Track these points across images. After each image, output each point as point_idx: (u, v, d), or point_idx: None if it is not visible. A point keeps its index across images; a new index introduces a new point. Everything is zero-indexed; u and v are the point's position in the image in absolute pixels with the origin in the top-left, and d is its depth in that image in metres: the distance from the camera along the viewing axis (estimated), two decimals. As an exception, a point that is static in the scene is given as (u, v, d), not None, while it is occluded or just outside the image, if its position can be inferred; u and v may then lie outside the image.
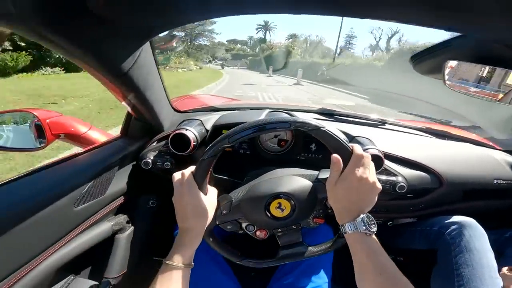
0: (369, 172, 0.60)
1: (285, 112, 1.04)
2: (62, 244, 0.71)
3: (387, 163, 0.92)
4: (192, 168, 0.65)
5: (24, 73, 12.21)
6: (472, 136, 1.28)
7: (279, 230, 0.73)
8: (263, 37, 78.20)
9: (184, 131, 0.88)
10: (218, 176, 0.87)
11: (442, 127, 1.34)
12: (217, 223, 0.70)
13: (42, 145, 1.03)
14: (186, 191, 0.62)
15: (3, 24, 0.43)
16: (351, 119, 1.16)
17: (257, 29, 79.42)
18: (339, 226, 0.62)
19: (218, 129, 0.95)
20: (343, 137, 0.62)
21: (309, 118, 0.62)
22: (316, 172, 0.75)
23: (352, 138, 0.94)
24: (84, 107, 6.42)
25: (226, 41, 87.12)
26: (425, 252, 1.00)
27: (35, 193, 0.65)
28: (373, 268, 0.55)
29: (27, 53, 12.35)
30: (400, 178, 0.91)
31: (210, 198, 0.66)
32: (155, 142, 0.98)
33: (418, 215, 1.09)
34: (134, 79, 0.70)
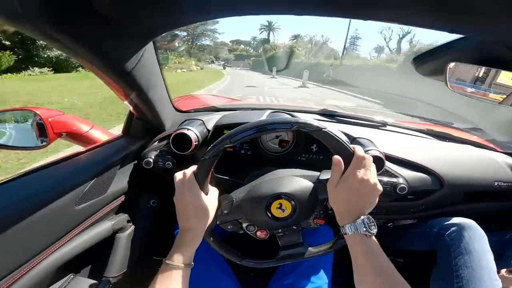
0: (370, 174, 0.60)
1: (286, 113, 1.04)
2: (62, 243, 0.71)
3: (388, 164, 0.92)
4: (193, 168, 0.65)
5: (9, 74, 11.65)
6: (473, 138, 1.28)
7: (280, 230, 0.73)
8: (266, 37, 77.23)
9: (185, 131, 0.88)
10: (219, 176, 0.87)
11: (443, 129, 1.34)
12: (217, 223, 0.70)
13: (44, 143, 1.03)
14: (188, 190, 0.62)
15: (10, 23, 0.43)
16: (353, 120, 1.16)
17: (260, 29, 78.51)
18: (339, 227, 0.62)
19: (219, 129, 0.95)
20: (344, 138, 0.62)
21: (310, 119, 0.62)
22: (317, 173, 0.75)
23: (353, 139, 0.94)
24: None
25: (230, 41, 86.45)
26: (425, 254, 1.01)
27: (36, 191, 0.65)
28: (372, 270, 0.55)
29: (12, 52, 11.91)
30: (401, 180, 0.91)
31: (211, 198, 0.66)
32: (157, 142, 0.98)
33: (419, 216, 1.09)
34: (137, 78, 0.70)
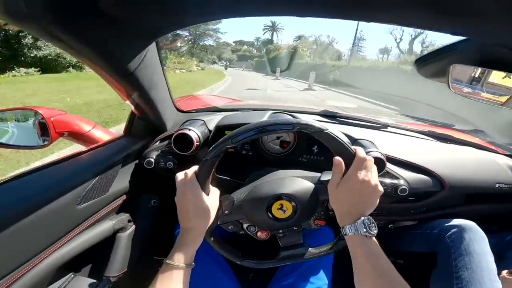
0: (371, 175, 0.60)
1: (288, 114, 1.04)
2: (63, 242, 0.71)
3: (389, 166, 0.92)
4: (194, 168, 0.65)
5: (-9, 74, 10.77)
6: (475, 140, 1.28)
7: (280, 231, 0.73)
8: (270, 38, 76.01)
9: (187, 131, 0.89)
10: (220, 177, 0.87)
11: (444, 130, 1.34)
12: (218, 223, 0.70)
13: (46, 143, 1.03)
14: (189, 191, 0.62)
15: (15, 23, 0.43)
16: (354, 121, 1.16)
17: (264, 30, 77.24)
18: (340, 228, 0.62)
19: (221, 129, 0.95)
20: (345, 139, 0.62)
21: (312, 120, 0.62)
22: (318, 174, 0.75)
23: (354, 141, 0.94)
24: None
25: (233, 42, 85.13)
26: (425, 255, 1.01)
27: (38, 191, 0.65)
28: (372, 271, 0.55)
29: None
30: (402, 181, 0.91)
31: (212, 198, 0.66)
32: (158, 142, 0.99)
33: (419, 218, 1.09)
34: (140, 78, 0.70)
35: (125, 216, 0.95)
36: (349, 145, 0.62)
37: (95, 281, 0.81)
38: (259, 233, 0.73)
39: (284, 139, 0.96)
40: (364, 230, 0.57)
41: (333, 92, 16.58)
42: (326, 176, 0.72)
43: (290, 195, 0.69)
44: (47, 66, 13.40)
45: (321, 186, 0.71)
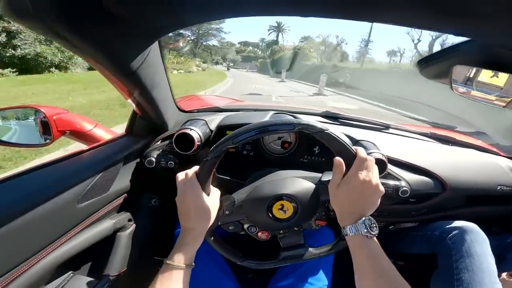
0: (372, 175, 0.60)
1: (289, 114, 1.04)
2: (64, 240, 0.71)
3: (391, 167, 0.92)
4: (195, 168, 0.65)
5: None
6: (477, 142, 1.28)
7: (281, 231, 0.73)
8: (275, 39, 74.56)
9: (188, 131, 0.89)
10: (221, 177, 0.87)
11: (446, 132, 1.34)
12: (219, 223, 0.70)
13: (48, 141, 1.03)
14: (189, 191, 0.62)
15: (20, 21, 0.43)
16: (355, 122, 1.16)
17: (269, 30, 75.87)
18: (341, 228, 0.62)
19: (222, 129, 0.95)
20: (347, 140, 0.62)
21: (313, 121, 0.62)
22: (319, 175, 0.75)
23: (356, 142, 0.94)
24: None
25: (238, 43, 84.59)
26: (426, 257, 1.00)
27: (39, 189, 0.65)
28: (373, 271, 0.55)
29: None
30: (403, 183, 0.91)
31: (212, 198, 0.66)
32: (159, 141, 0.99)
33: (420, 219, 1.09)
34: (142, 78, 0.70)
35: (125, 215, 0.95)
36: (350, 145, 0.62)
37: (94, 280, 0.81)
38: (259, 234, 0.73)
39: (285, 139, 0.96)
40: (365, 230, 0.57)
41: (346, 98, 14.61)
42: (327, 177, 0.72)
43: (291, 196, 0.69)
44: (27, 66, 12.40)
45: (322, 187, 0.71)
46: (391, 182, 0.90)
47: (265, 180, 0.75)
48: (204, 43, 55.10)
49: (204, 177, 0.63)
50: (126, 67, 0.63)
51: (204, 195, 0.63)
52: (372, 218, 0.59)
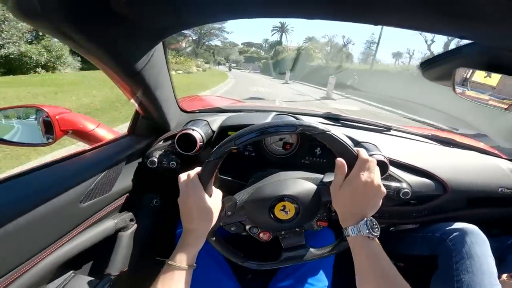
0: (374, 176, 0.60)
1: (291, 116, 1.04)
2: (66, 240, 0.71)
3: (392, 169, 0.92)
4: (197, 169, 0.65)
5: None
6: (478, 144, 1.28)
7: (283, 232, 0.73)
8: (279, 39, 72.86)
9: (190, 131, 0.89)
10: (223, 177, 0.87)
11: (448, 134, 1.34)
12: (221, 224, 0.70)
13: (50, 140, 1.03)
14: (192, 192, 0.62)
15: (27, 20, 0.44)
16: (357, 124, 1.16)
17: (272, 31, 74.30)
18: (342, 229, 0.62)
19: (224, 130, 0.96)
20: (349, 141, 0.62)
21: (315, 122, 0.62)
22: (320, 176, 0.75)
23: (357, 143, 0.94)
24: None
25: (241, 43, 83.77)
26: (426, 258, 1.01)
27: (41, 188, 0.65)
28: (374, 272, 0.55)
29: None
30: (404, 184, 0.91)
31: (214, 199, 0.66)
32: (162, 141, 0.99)
33: (421, 221, 1.09)
34: (146, 78, 0.71)
35: (127, 215, 0.95)
36: (351, 146, 0.62)
37: (95, 279, 0.81)
38: (261, 234, 0.73)
39: (287, 140, 0.97)
40: (367, 231, 0.57)
41: (355, 102, 13.26)
42: (328, 178, 0.72)
43: (293, 197, 0.69)
44: (10, 66, 11.87)
45: (323, 188, 0.71)
46: (393, 184, 0.90)
47: (266, 181, 0.75)
48: (206, 43, 54.37)
49: (206, 178, 0.63)
50: (131, 68, 0.63)
51: (206, 196, 0.63)
52: (373, 220, 0.59)
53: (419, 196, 0.95)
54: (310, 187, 0.71)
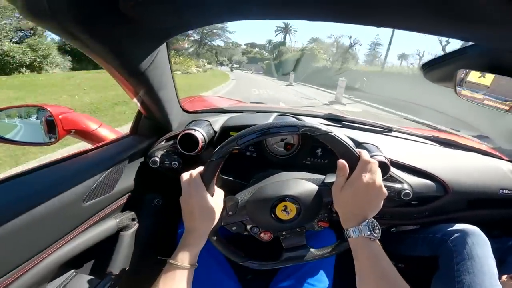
0: (376, 178, 0.60)
1: (292, 116, 1.05)
2: (68, 239, 0.72)
3: (393, 170, 0.92)
4: (200, 169, 0.66)
5: None
6: (479, 145, 1.28)
7: (284, 232, 0.73)
8: (282, 40, 71.11)
9: (193, 132, 0.89)
10: (225, 177, 0.87)
11: (449, 136, 1.34)
12: (222, 224, 0.71)
13: (52, 140, 1.04)
14: (194, 191, 0.63)
15: (35, 20, 0.44)
16: (358, 125, 1.17)
17: (276, 31, 72.36)
18: (344, 230, 0.62)
19: (226, 130, 0.96)
20: (350, 143, 0.62)
21: (317, 123, 0.62)
22: (322, 176, 0.75)
23: (359, 144, 0.94)
24: None
25: (244, 44, 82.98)
26: (427, 259, 1.01)
27: (44, 188, 0.66)
28: (374, 273, 0.56)
29: None
30: (405, 186, 0.91)
31: (216, 199, 0.67)
32: (164, 141, 0.99)
33: (422, 222, 1.09)
34: (150, 78, 0.71)
35: (129, 215, 0.95)
36: (353, 148, 0.62)
37: (97, 279, 0.81)
38: (262, 234, 0.74)
39: (288, 141, 0.97)
40: (368, 232, 0.57)
41: (370, 108, 11.99)
42: (330, 179, 0.73)
43: (294, 197, 0.69)
44: None
45: (325, 188, 0.71)
46: (394, 185, 0.90)
47: (268, 181, 0.75)
48: (208, 43, 53.65)
49: (208, 177, 0.63)
50: (135, 68, 0.64)
51: (208, 195, 0.64)
52: (375, 221, 0.60)
53: (420, 197, 0.95)
54: (312, 187, 0.72)
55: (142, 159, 0.98)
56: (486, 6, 0.36)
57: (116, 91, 7.28)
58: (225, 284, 0.83)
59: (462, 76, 0.68)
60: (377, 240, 0.59)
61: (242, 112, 1.20)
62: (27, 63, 12.71)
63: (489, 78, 0.64)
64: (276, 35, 72.37)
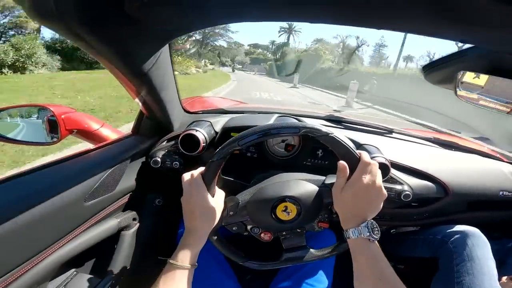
0: (376, 179, 0.61)
1: (293, 117, 1.05)
2: (70, 238, 0.72)
3: (394, 171, 0.92)
4: (201, 169, 0.66)
5: None
6: (480, 147, 1.28)
7: (284, 233, 0.74)
8: (286, 41, 69.13)
9: (194, 132, 0.89)
10: (225, 178, 0.88)
11: (450, 137, 1.34)
12: (222, 224, 0.71)
13: (54, 139, 1.04)
14: (195, 192, 0.63)
15: (43, 22, 0.44)
16: (359, 126, 1.17)
17: (279, 32, 70.53)
18: (343, 231, 0.63)
19: (227, 131, 0.96)
20: (351, 144, 0.63)
21: (318, 124, 0.62)
22: (322, 177, 0.76)
23: (359, 146, 0.94)
24: None
25: (247, 45, 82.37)
26: (426, 261, 1.01)
27: (47, 187, 0.66)
28: (372, 273, 0.56)
29: None
30: (405, 187, 0.91)
31: (217, 199, 0.67)
32: (165, 142, 0.99)
33: (422, 224, 1.10)
34: (153, 79, 0.71)
35: (130, 214, 0.96)
36: (354, 149, 0.62)
37: (97, 278, 0.81)
38: (262, 235, 0.74)
39: (289, 142, 0.97)
40: (368, 233, 0.58)
41: (384, 114, 10.54)
42: (330, 180, 0.73)
43: (295, 198, 0.70)
44: None
45: (325, 189, 0.71)
46: (394, 186, 0.90)
47: (269, 182, 0.75)
48: (211, 43, 53.27)
49: (209, 178, 0.64)
50: (138, 68, 0.64)
51: (209, 195, 0.64)
52: (374, 222, 0.60)
53: (420, 198, 0.95)
54: (312, 188, 0.72)
55: (143, 159, 0.99)
56: (486, 8, 0.36)
57: (89, 95, 6.98)
58: (225, 284, 0.83)
59: (459, 78, 0.68)
60: (376, 242, 0.59)
61: (243, 113, 1.20)
62: (9, 63, 12.14)
63: (483, 79, 0.64)
64: (279, 36, 71.24)
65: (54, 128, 1.03)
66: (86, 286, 0.77)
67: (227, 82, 17.94)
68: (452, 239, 0.92)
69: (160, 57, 0.68)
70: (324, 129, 0.61)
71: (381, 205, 0.62)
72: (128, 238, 0.95)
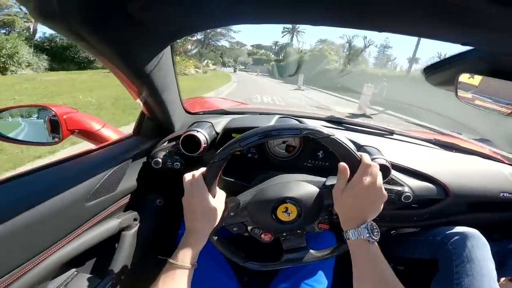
0: (376, 181, 0.61)
1: (294, 119, 1.05)
2: (71, 238, 0.72)
3: (394, 173, 0.92)
4: (202, 169, 0.66)
5: None
6: (481, 149, 1.28)
7: (284, 234, 0.74)
8: (289, 41, 68.08)
9: (195, 133, 0.90)
10: (226, 179, 0.88)
11: (450, 139, 1.34)
12: (223, 224, 0.71)
13: (56, 140, 1.04)
14: (196, 192, 0.63)
15: (45, 22, 0.44)
16: (360, 128, 1.17)
17: (283, 32, 69.50)
18: (343, 232, 0.63)
19: (228, 132, 0.96)
20: (351, 145, 0.63)
21: (319, 126, 0.63)
22: (323, 179, 0.76)
23: (360, 147, 0.95)
24: None
25: (250, 46, 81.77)
26: (425, 262, 1.01)
27: (48, 187, 0.66)
28: (372, 275, 0.56)
29: None
30: (406, 188, 0.91)
31: (218, 200, 0.67)
32: (166, 142, 1.00)
33: (422, 225, 1.10)
34: (154, 80, 0.72)
35: (131, 215, 0.96)
36: (355, 151, 0.63)
37: (98, 278, 0.81)
38: (263, 235, 0.74)
39: (290, 143, 0.97)
40: (367, 235, 0.58)
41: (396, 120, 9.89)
42: (331, 181, 0.73)
43: (295, 199, 0.70)
44: None
45: (326, 191, 0.72)
46: (394, 188, 0.90)
47: (269, 183, 0.76)
48: (212, 43, 52.53)
49: (210, 178, 0.64)
50: (140, 69, 0.64)
51: (210, 196, 0.64)
52: (374, 224, 0.60)
53: (421, 200, 0.95)
54: (313, 190, 0.72)
55: (144, 160, 0.99)
56: (485, 11, 0.36)
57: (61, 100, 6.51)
58: (225, 285, 0.83)
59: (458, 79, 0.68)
60: (376, 243, 0.59)
61: (244, 114, 1.21)
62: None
63: (477, 79, 0.65)
64: (283, 36, 70.60)
65: (56, 128, 1.03)
66: (87, 286, 0.77)
67: (227, 83, 17.28)
68: (452, 240, 0.92)
69: (162, 58, 0.68)
70: (326, 130, 0.61)
71: (381, 207, 0.62)
72: (129, 238, 0.95)
